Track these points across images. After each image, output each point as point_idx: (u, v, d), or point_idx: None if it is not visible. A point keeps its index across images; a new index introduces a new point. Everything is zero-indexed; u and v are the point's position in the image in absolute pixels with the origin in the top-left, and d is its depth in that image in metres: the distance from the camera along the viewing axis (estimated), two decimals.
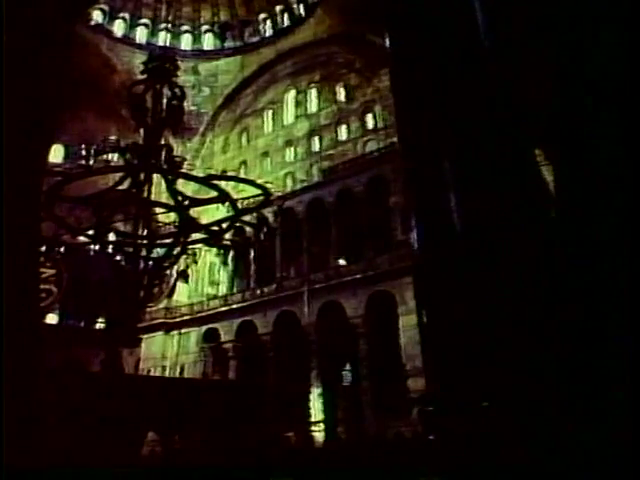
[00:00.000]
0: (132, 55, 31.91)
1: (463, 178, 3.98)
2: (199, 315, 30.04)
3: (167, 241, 12.94)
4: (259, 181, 14.09)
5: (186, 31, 35.86)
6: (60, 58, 7.53)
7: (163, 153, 11.44)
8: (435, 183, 4.18)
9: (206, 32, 35.92)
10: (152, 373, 28.03)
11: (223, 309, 29.17)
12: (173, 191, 11.74)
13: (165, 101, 11.84)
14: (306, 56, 32.96)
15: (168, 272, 14.38)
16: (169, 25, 35.43)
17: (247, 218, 14.63)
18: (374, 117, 30.07)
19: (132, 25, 34.84)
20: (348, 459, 13.53)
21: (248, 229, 17.81)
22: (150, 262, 12.58)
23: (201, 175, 13.90)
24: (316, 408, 23.87)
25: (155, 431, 14.12)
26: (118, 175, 11.61)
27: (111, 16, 34.11)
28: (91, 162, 12.44)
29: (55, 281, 17.41)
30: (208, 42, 35.85)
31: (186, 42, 35.70)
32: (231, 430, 13.05)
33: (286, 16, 34.04)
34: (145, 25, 35.23)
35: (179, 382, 20.51)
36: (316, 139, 32.38)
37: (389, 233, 25.32)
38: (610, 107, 3.22)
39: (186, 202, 12.05)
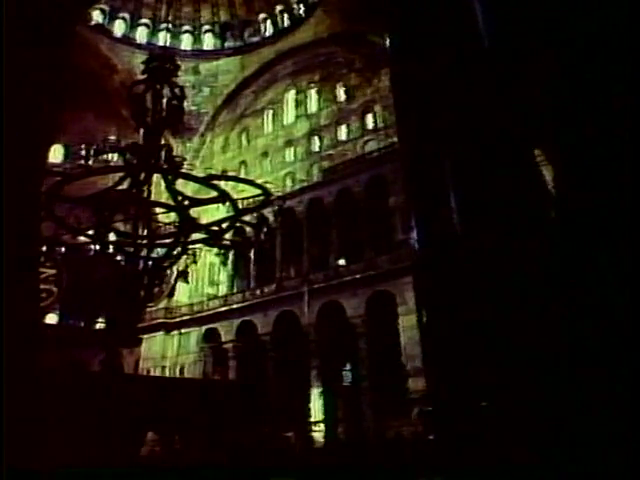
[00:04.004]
0: (132, 55, 31.90)
1: (463, 178, 3.97)
2: (199, 315, 30.05)
3: (167, 241, 12.93)
4: (259, 181, 14.10)
5: (186, 31, 35.85)
6: (60, 58, 7.53)
7: (163, 153, 11.43)
8: (435, 183, 4.18)
9: (206, 32, 35.91)
10: (152, 373, 28.03)
11: (223, 309, 29.19)
12: (173, 191, 11.74)
13: (165, 101, 11.83)
14: (306, 56, 32.96)
15: (168, 272, 14.38)
16: (169, 25, 35.40)
17: (247, 218, 14.63)
18: (374, 117, 30.06)
19: (132, 25, 34.83)
20: (348, 459, 13.53)
21: (248, 229, 17.79)
22: (150, 262, 12.57)
23: (201, 175, 13.88)
24: (316, 408, 23.89)
25: (155, 431, 14.12)
26: (118, 175, 11.60)
27: (111, 16, 34.10)
28: (91, 162, 12.44)
29: (55, 281, 17.40)
30: (208, 42, 35.85)
31: (186, 42, 35.69)
32: (231, 430, 13.05)
33: (286, 16, 34.03)
34: (145, 25, 35.21)
35: (179, 382, 20.50)
36: (316, 139, 32.38)
37: (389, 233, 25.32)
38: (610, 107, 3.22)
39: (186, 202, 12.05)
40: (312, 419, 23.53)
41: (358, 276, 24.64)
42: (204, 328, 29.77)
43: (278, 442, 18.06)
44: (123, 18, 34.68)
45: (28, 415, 5.16)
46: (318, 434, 22.69)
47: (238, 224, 14.30)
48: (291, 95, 34.86)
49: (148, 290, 12.47)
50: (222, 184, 12.37)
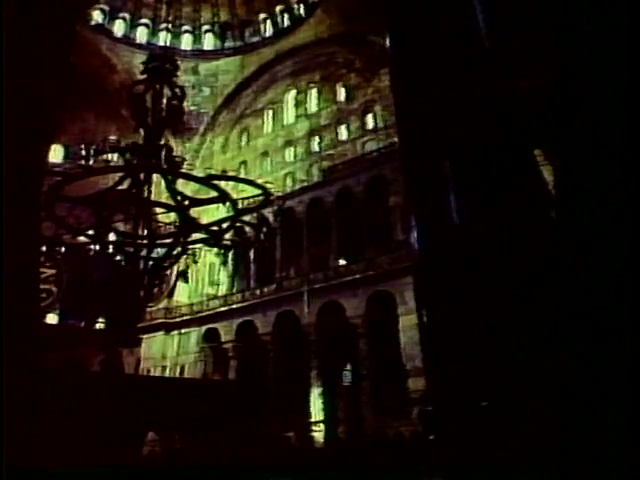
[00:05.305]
0: (132, 55, 31.91)
1: (463, 178, 3.97)
2: (199, 315, 30.04)
3: (167, 241, 12.93)
4: (259, 181, 14.08)
5: (186, 31, 35.86)
6: (60, 58, 7.52)
7: (163, 153, 11.43)
8: (435, 183, 4.18)
9: (206, 32, 35.92)
10: (152, 373, 28.04)
11: (223, 309, 29.17)
12: (173, 191, 11.74)
13: (165, 101, 11.83)
14: (306, 56, 32.97)
15: (168, 272, 14.38)
16: (169, 25, 35.42)
17: (247, 218, 14.63)
18: (374, 117, 30.07)
19: (132, 25, 34.84)
20: (348, 459, 13.53)
21: (248, 229, 17.81)
22: (150, 262, 12.57)
23: (201, 175, 13.88)
24: (316, 408, 23.89)
25: (155, 431, 14.12)
26: (118, 175, 11.60)
27: (111, 16, 34.11)
28: (91, 162, 12.44)
29: (55, 281, 17.40)
30: (208, 42, 35.86)
31: (186, 42, 35.71)
32: (231, 430, 13.05)
33: (286, 16, 34.04)
34: (145, 25, 35.22)
35: (179, 382, 20.50)
36: (316, 139, 32.38)
37: (389, 233, 25.32)
38: (611, 107, 3.22)
39: (186, 202, 12.05)
40: (312, 419, 23.53)
41: (358, 276, 24.63)
42: (204, 328, 29.76)
43: (278, 442, 18.07)
44: (123, 18, 34.68)
45: (28, 415, 5.16)
46: (318, 434, 22.69)
47: (238, 224, 14.31)
48: (291, 95, 34.87)
49: (148, 290, 12.48)
50: (222, 184, 12.36)
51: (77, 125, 30.60)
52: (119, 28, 34.34)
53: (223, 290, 31.84)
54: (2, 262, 5.01)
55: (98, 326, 32.66)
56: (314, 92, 33.73)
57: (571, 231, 3.34)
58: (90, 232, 12.61)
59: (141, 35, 34.98)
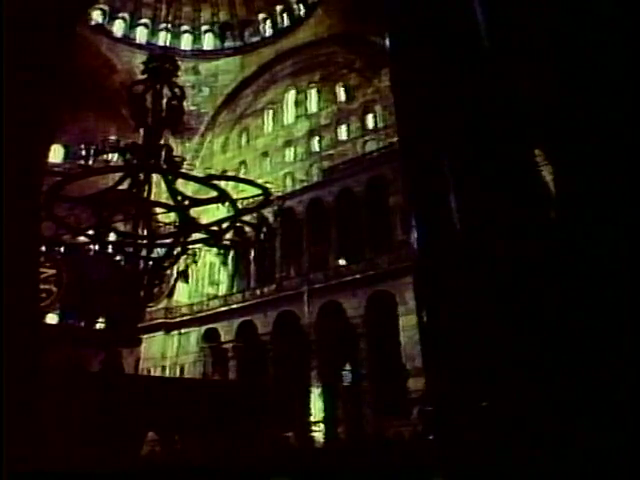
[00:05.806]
0: (132, 55, 31.93)
1: (463, 178, 3.97)
2: (199, 315, 30.07)
3: (167, 241, 12.93)
4: (259, 181, 14.09)
5: (186, 31, 35.86)
6: (60, 58, 7.53)
7: (163, 153, 11.43)
8: (435, 183, 4.18)
9: (206, 32, 35.92)
10: (152, 373, 28.05)
11: (223, 309, 29.20)
12: (173, 191, 11.74)
13: (165, 101, 11.83)
14: (306, 56, 32.98)
15: (168, 272, 14.38)
16: (169, 25, 35.43)
17: (247, 218, 14.63)
18: (374, 117, 30.08)
19: (132, 25, 34.84)
20: (348, 459, 13.53)
21: (248, 229, 17.82)
22: (150, 262, 12.58)
23: (201, 175, 13.90)
24: (316, 408, 23.90)
25: (155, 431, 14.13)
26: (118, 175, 11.60)
27: (111, 16, 34.11)
28: (91, 162, 12.44)
29: (55, 281, 17.41)
30: (208, 42, 35.87)
31: (186, 42, 35.71)
32: (231, 430, 13.06)
33: (286, 16, 34.05)
34: (145, 25, 35.23)
35: (179, 382, 20.51)
36: (316, 139, 32.38)
37: (389, 233, 25.33)
38: (611, 107, 3.23)
39: (186, 202, 12.05)
40: (312, 419, 23.54)
41: (358, 276, 24.65)
42: (204, 328, 29.78)
43: (278, 442, 18.07)
44: (123, 18, 34.69)
45: (28, 415, 5.16)
46: (318, 434, 22.71)
47: (238, 224, 14.31)
48: (291, 95, 34.87)
49: (148, 290, 12.48)
50: (222, 184, 12.36)
51: (77, 125, 30.61)
52: (119, 28, 34.34)
53: (223, 290, 31.85)
54: (2, 262, 5.01)
55: (98, 326, 32.64)
56: (314, 92, 33.73)
57: (571, 232, 3.34)
58: (90, 232, 12.61)
59: (141, 35, 34.98)
